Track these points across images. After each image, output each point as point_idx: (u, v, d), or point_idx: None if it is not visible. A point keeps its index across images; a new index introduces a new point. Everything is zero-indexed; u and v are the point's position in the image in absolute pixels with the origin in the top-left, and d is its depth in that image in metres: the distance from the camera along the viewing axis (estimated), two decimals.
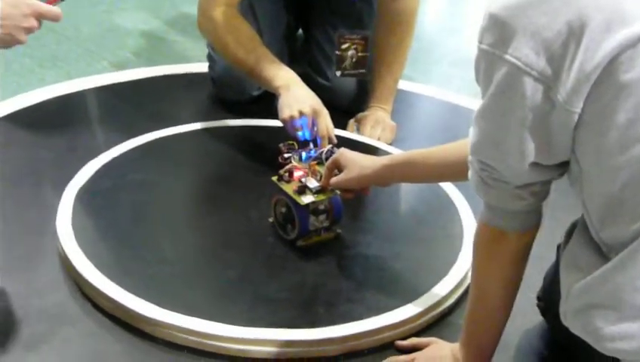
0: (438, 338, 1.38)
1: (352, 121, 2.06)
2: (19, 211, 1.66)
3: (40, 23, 1.37)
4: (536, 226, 1.16)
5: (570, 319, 1.07)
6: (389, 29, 2.04)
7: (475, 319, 1.26)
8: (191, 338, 1.35)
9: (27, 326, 1.37)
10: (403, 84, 2.29)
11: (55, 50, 2.43)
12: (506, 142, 1.02)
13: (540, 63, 0.95)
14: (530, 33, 0.95)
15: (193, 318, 1.36)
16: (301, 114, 1.71)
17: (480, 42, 1.00)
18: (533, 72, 0.96)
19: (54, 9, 1.38)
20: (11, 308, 1.41)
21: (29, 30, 1.34)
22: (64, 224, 1.56)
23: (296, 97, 1.75)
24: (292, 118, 1.72)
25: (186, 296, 1.43)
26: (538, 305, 1.41)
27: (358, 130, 2.03)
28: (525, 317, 1.43)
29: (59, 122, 2.03)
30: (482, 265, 1.21)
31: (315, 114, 1.72)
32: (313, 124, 1.71)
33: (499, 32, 0.98)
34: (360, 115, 2.07)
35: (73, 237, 1.53)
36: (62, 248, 1.51)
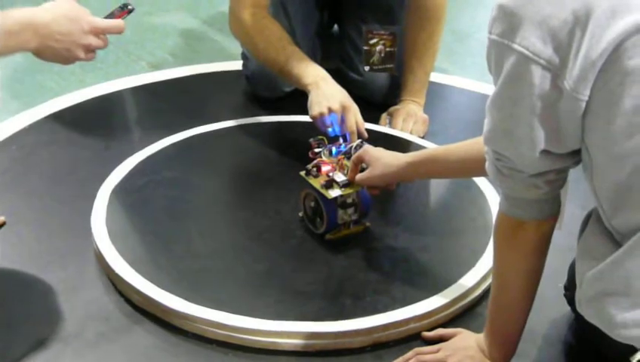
0: (465, 329, 1.39)
1: (384, 115, 2.07)
2: (57, 208, 1.72)
3: (106, 41, 1.37)
4: (554, 215, 1.16)
5: (585, 307, 1.08)
6: (419, 23, 2.05)
7: (498, 308, 1.27)
8: (219, 331, 1.37)
9: (63, 321, 1.42)
10: (437, 77, 2.30)
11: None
12: (517, 130, 1.03)
13: (547, 52, 0.96)
14: (537, 22, 0.96)
15: (222, 312, 1.39)
16: (330, 110, 1.73)
17: (490, 32, 1.02)
18: (541, 61, 0.97)
19: (115, 23, 1.38)
20: (48, 303, 1.46)
21: (87, 47, 1.34)
22: (98, 221, 1.60)
23: (325, 94, 1.77)
24: (321, 115, 1.73)
25: (216, 291, 1.46)
26: (565, 295, 1.41)
27: (390, 124, 2.04)
28: (553, 307, 1.43)
29: (97, 122, 2.08)
30: (502, 254, 1.22)
31: (344, 110, 1.74)
32: (342, 120, 1.73)
33: (507, 21, 0.99)
34: (392, 108, 2.08)
35: (107, 234, 1.56)
36: (96, 245, 1.55)
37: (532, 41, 0.97)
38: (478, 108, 2.22)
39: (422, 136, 2.01)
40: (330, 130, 1.72)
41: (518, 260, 1.20)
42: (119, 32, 1.39)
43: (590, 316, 1.08)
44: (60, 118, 2.07)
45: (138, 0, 2.79)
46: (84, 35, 1.33)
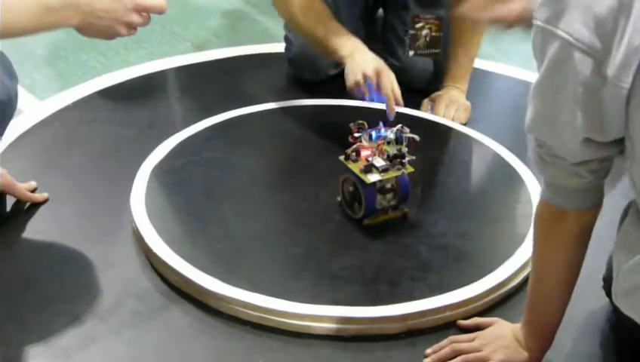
0: (502, 319, 1.38)
1: (426, 101, 2.05)
2: (98, 186, 1.73)
3: (148, 18, 1.36)
4: (596, 206, 1.14)
5: (621, 300, 1.06)
6: None
7: (535, 299, 1.25)
8: (254, 313, 1.38)
9: (100, 297, 1.43)
10: (482, 63, 2.27)
11: (139, 32, 2.47)
12: (559, 117, 1.02)
13: (591, 38, 0.94)
14: (582, 8, 0.94)
15: (257, 294, 1.39)
16: (365, 77, 1.72)
17: (535, 18, 1.00)
18: (584, 47, 0.95)
19: (158, 3, 1.36)
20: (85, 279, 1.47)
21: (129, 24, 1.34)
22: (138, 200, 1.61)
23: (359, 62, 1.77)
24: (357, 83, 1.73)
25: (252, 272, 1.46)
26: (604, 286, 1.39)
27: (432, 110, 2.02)
28: (592, 297, 1.41)
29: (140, 101, 2.09)
30: (542, 243, 1.20)
31: (379, 75, 1.74)
32: (378, 86, 1.72)
33: (553, 7, 0.97)
34: (434, 94, 2.06)
35: (146, 212, 1.57)
36: (134, 223, 1.56)
37: (576, 28, 0.95)
38: (522, 95, 2.22)
39: (464, 123, 1.99)
40: (367, 97, 1.70)
41: (557, 250, 1.18)
42: (161, 11, 1.39)
43: (626, 309, 1.06)
44: (104, 96, 2.09)
45: None
46: (126, 12, 1.33)
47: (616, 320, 1.38)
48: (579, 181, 1.09)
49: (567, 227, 1.15)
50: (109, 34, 1.35)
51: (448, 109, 2.01)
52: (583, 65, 0.96)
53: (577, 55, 0.95)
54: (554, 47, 0.98)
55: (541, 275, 1.22)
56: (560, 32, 0.96)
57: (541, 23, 0.99)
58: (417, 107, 2.02)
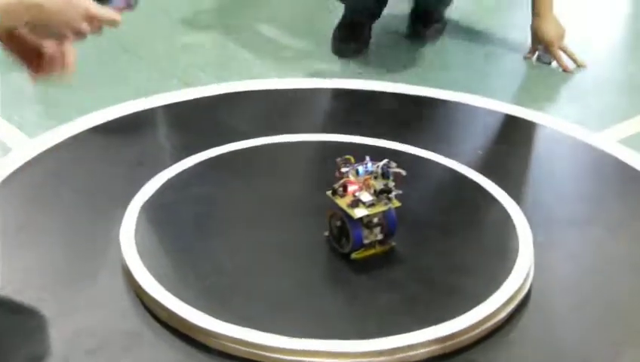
0: (489, 350, 1.39)
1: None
2: (88, 223, 1.74)
3: (99, 28, 1.36)
4: None
5: None
6: None
7: None
8: (243, 349, 1.39)
9: (88, 335, 1.43)
10: (467, 98, 2.29)
11: (128, 69, 2.51)
12: None
13: None
14: None
15: (246, 329, 1.40)
16: None
17: None
18: None
19: (111, 16, 1.36)
20: (74, 317, 1.47)
21: (76, 30, 1.33)
22: (127, 236, 1.62)
23: None
24: None
25: (241, 308, 1.47)
26: None
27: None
28: None
29: (130, 138, 2.11)
30: None
31: None
32: None
33: None
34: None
35: (135, 249, 1.58)
36: (124, 260, 1.57)
37: None
38: (507, 129, 2.25)
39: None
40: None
41: None
42: (113, 25, 1.38)
43: None
44: (93, 133, 2.10)
45: (171, 19, 2.83)
46: (77, 17, 1.32)
47: None
48: None
49: None
50: (57, 35, 1.34)
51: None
52: None
53: None
54: None
55: None
56: None
57: None
58: (399, 139, 2.03)
